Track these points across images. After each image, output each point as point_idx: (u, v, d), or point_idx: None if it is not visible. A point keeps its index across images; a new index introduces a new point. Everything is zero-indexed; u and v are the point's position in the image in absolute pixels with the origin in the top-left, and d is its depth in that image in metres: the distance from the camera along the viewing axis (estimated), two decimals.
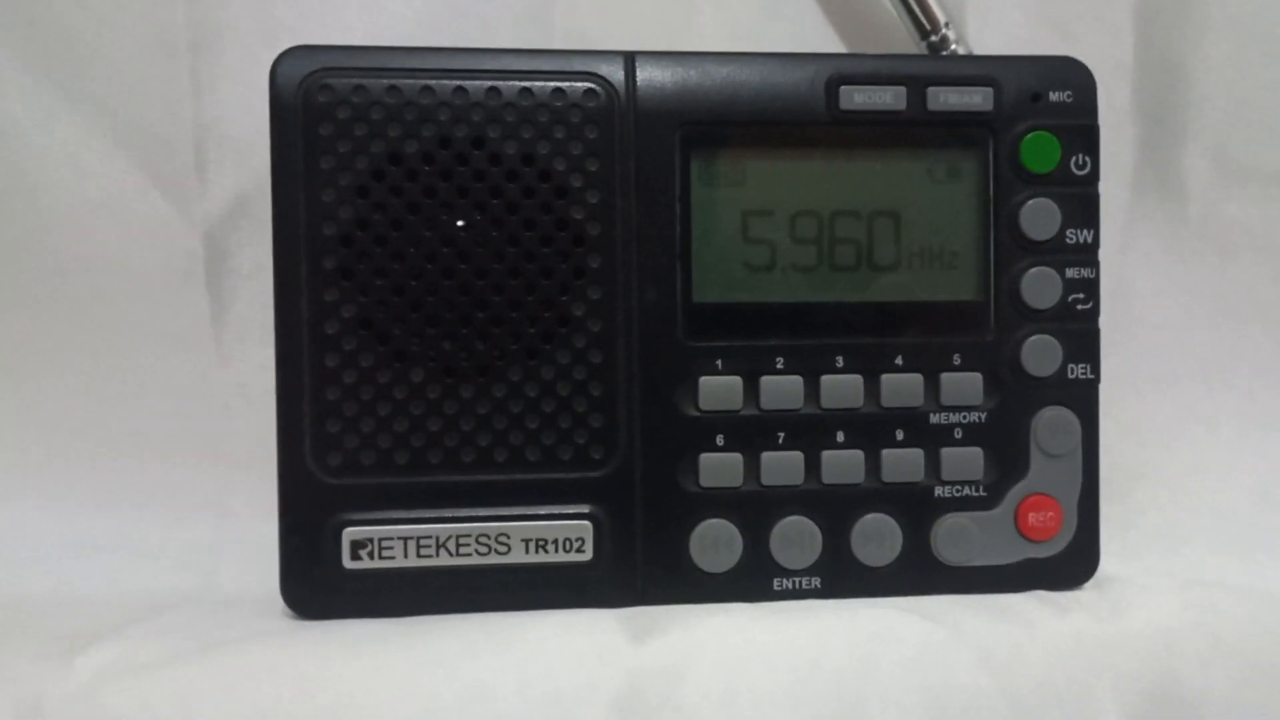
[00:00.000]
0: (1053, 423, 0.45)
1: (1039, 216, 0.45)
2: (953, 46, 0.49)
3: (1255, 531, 0.50)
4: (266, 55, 0.42)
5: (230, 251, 0.51)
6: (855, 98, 0.44)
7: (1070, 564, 0.45)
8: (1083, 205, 0.45)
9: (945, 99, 0.44)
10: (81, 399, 0.50)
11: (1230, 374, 0.54)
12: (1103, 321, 0.47)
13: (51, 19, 0.49)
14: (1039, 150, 0.45)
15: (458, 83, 0.42)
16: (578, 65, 0.43)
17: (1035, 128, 0.45)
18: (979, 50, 0.50)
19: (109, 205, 0.49)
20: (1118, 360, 0.52)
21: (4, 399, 0.50)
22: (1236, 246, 0.53)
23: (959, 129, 0.45)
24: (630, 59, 0.43)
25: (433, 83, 0.42)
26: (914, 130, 0.44)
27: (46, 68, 0.49)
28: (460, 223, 0.42)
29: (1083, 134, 0.45)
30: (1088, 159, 0.45)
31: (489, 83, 0.42)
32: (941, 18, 0.49)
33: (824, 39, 0.53)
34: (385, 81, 0.42)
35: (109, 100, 0.49)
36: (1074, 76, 0.45)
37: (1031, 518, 0.45)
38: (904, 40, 0.50)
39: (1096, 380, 0.45)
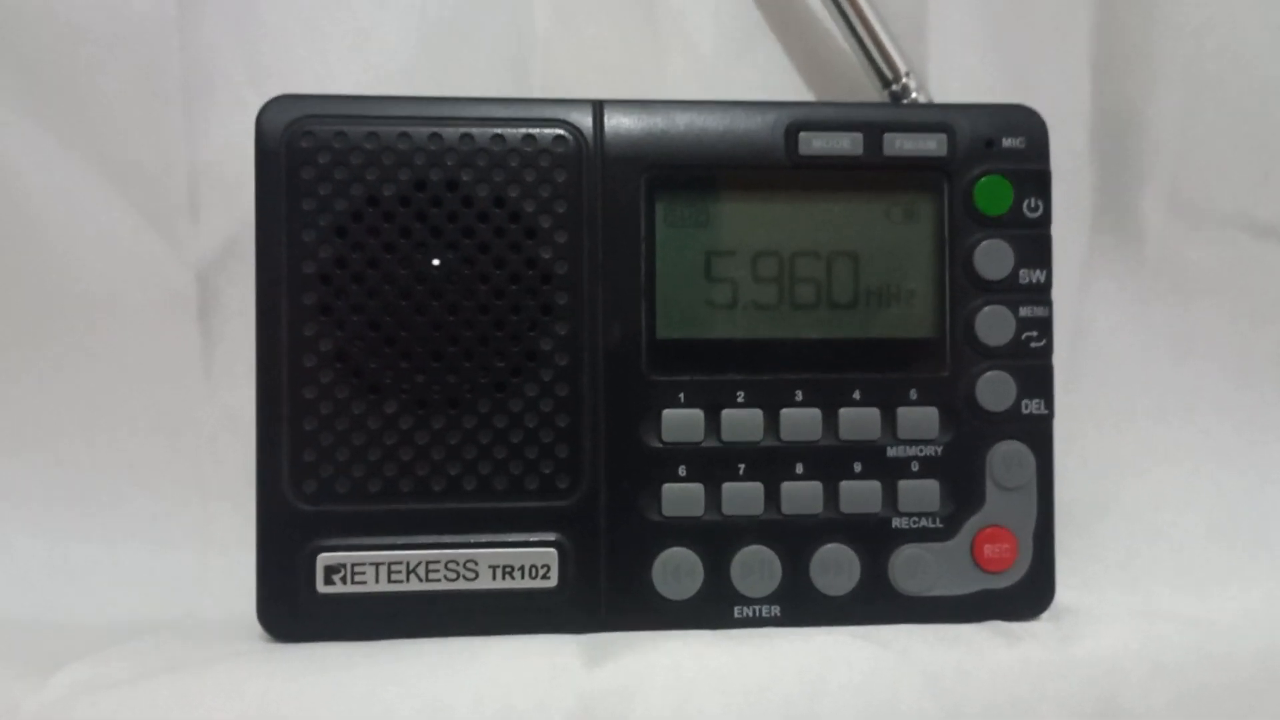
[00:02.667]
0: (1007, 456, 0.46)
1: (992, 257, 0.46)
2: (913, 95, 0.51)
3: (1211, 564, 0.51)
4: (256, 101, 0.44)
5: (221, 289, 0.53)
6: (814, 143, 0.46)
7: (1026, 594, 0.46)
8: (1035, 246, 0.46)
9: (901, 144, 0.46)
10: (73, 428, 0.52)
11: (1189, 410, 0.55)
12: (1065, 359, 0.49)
13: (50, 66, 0.51)
14: (992, 194, 0.46)
15: (433, 129, 0.44)
16: (548, 113, 0.45)
17: (988, 172, 0.46)
18: (940, 98, 0.52)
19: (104, 244, 0.51)
20: (1079, 396, 0.54)
21: None
22: (1193, 287, 0.55)
23: (915, 173, 0.46)
24: (599, 106, 0.46)
25: (409, 129, 0.44)
26: (871, 174, 0.46)
27: (46, 112, 0.51)
28: (435, 261, 0.44)
29: (1035, 178, 0.47)
30: (1040, 202, 0.46)
31: (463, 129, 0.44)
32: (902, 67, 0.51)
33: (792, 86, 0.55)
34: (365, 128, 0.44)
35: (106, 143, 0.51)
36: (1026, 123, 0.47)
37: (987, 549, 0.46)
38: (868, 89, 0.52)
39: (1050, 415, 0.46)
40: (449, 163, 0.44)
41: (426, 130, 0.44)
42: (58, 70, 0.51)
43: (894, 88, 0.51)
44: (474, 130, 0.44)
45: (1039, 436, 0.46)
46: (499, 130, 0.45)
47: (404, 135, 0.44)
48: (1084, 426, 0.54)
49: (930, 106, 0.50)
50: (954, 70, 0.54)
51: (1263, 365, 0.55)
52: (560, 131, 0.45)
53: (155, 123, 0.51)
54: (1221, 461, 0.54)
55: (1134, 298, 0.55)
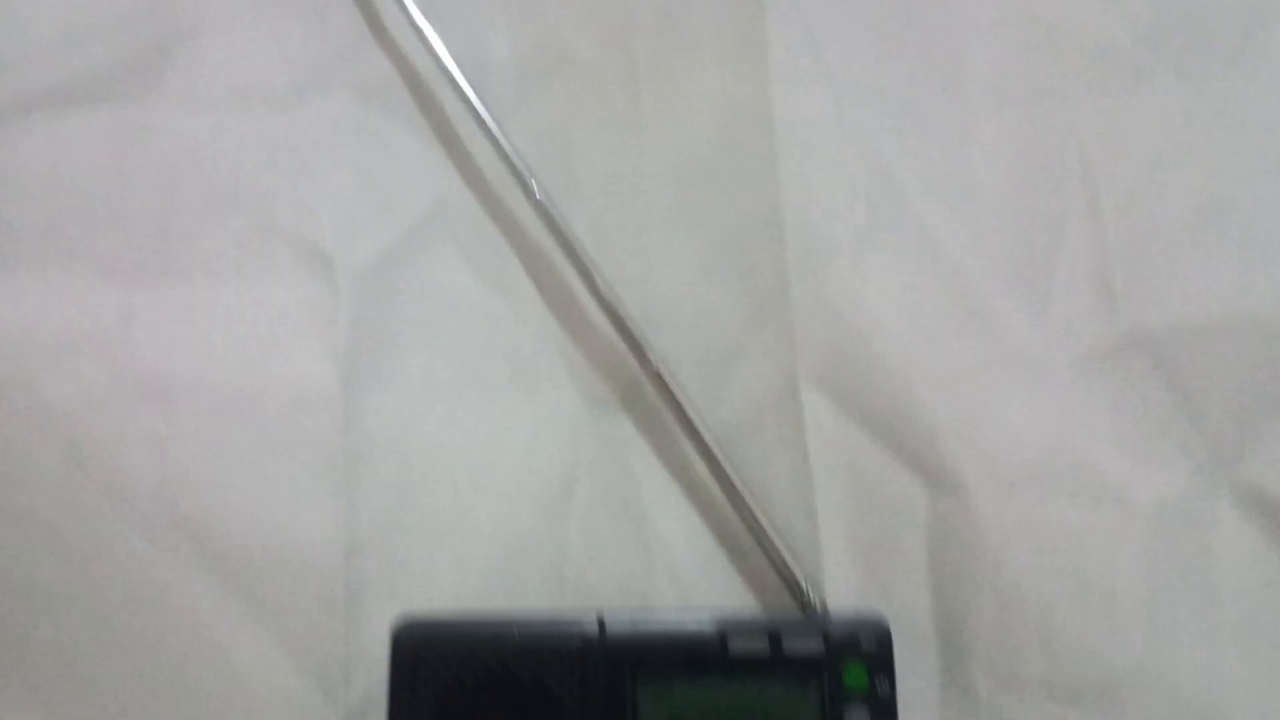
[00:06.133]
0: None
1: (856, 718, 0.71)
2: (813, 601, 0.77)
3: None
4: (393, 609, 0.73)
5: None
6: (737, 644, 0.72)
7: None
8: (886, 711, 0.71)
9: (793, 646, 0.72)
10: None
11: None
12: None
13: (265, 586, 0.79)
14: (855, 676, 0.71)
15: (496, 634, 0.72)
16: (568, 618, 0.73)
17: (852, 662, 0.72)
18: (831, 600, 0.78)
19: (288, 703, 0.78)
20: None
21: None
22: None
23: (804, 663, 0.72)
24: (600, 616, 0.73)
25: (486, 633, 0.72)
26: (774, 665, 0.72)
27: (261, 621, 0.79)
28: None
29: (884, 666, 0.72)
30: (887, 681, 0.71)
31: (516, 633, 0.72)
32: (804, 585, 0.77)
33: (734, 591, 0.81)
34: (455, 634, 0.72)
35: (294, 634, 0.78)
36: (877, 630, 0.73)
37: None
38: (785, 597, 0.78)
39: None
40: (507, 654, 0.71)
41: (493, 634, 0.72)
42: (271, 588, 0.80)
43: (801, 600, 0.77)
44: (519, 634, 0.72)
45: None
46: (539, 632, 0.72)
47: (481, 638, 0.72)
48: None
49: (817, 619, 0.76)
50: (841, 580, 0.80)
51: None
52: (574, 633, 0.72)
53: (326, 626, 0.79)
54: None
55: None
